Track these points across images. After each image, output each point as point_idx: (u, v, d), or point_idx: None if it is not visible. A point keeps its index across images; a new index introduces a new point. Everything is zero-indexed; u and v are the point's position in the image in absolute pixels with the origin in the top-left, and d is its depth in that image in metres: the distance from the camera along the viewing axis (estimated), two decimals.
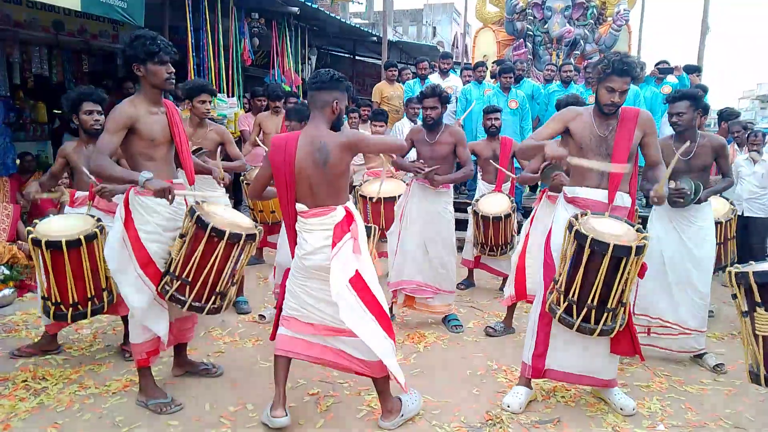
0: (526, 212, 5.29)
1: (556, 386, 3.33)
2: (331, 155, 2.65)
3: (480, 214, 4.86)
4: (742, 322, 2.65)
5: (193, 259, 2.78)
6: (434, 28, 24.07)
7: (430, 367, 3.58)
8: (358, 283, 2.65)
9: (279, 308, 2.93)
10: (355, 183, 5.64)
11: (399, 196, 4.76)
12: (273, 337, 2.92)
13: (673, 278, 3.62)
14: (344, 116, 3.01)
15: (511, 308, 4.24)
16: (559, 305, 2.91)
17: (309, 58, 11.78)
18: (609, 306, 2.82)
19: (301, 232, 2.77)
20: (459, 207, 6.03)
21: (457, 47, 20.03)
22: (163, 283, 2.83)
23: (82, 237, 3.08)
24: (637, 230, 2.87)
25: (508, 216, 4.78)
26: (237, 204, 6.90)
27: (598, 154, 2.99)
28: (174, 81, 2.82)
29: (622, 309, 2.90)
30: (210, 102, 4.09)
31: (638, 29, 10.52)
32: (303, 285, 2.78)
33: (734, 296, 2.64)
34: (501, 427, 2.90)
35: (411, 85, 7.03)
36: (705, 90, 6.50)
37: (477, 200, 5.06)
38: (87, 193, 3.57)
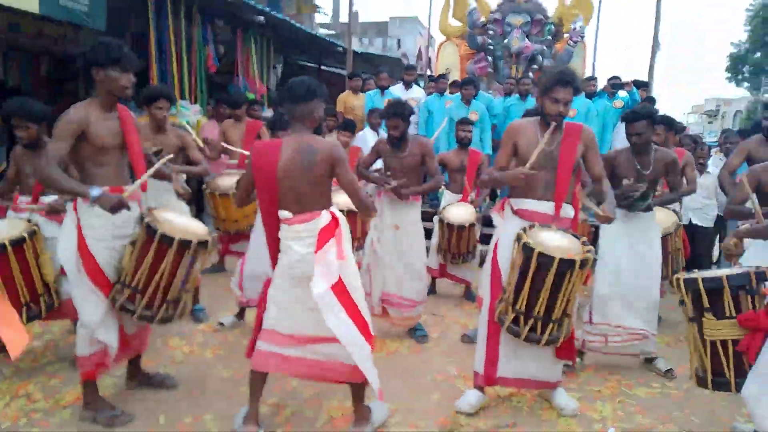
0: (486, 222, 5.40)
1: (511, 392, 3.41)
2: (317, 160, 2.64)
3: (446, 222, 4.94)
4: (689, 328, 2.76)
5: (143, 266, 2.74)
6: (399, 40, 24.35)
7: (390, 375, 3.59)
8: (338, 287, 2.63)
9: (259, 321, 2.83)
10: None
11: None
12: (250, 353, 2.82)
13: (626, 284, 3.74)
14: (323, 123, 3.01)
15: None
16: (507, 315, 2.98)
17: (275, 67, 11.76)
18: (554, 317, 2.92)
19: (286, 240, 2.72)
20: (423, 216, 6.11)
21: (421, 59, 20.32)
22: (113, 292, 2.78)
23: (6, 242, 3.02)
24: (582, 243, 2.97)
25: (472, 225, 4.89)
26: (199, 212, 6.81)
27: (544, 167, 3.07)
28: (130, 90, 2.76)
29: (567, 319, 3.00)
30: (168, 108, 4.02)
31: (593, 46, 10.87)
32: (289, 292, 2.73)
33: (682, 302, 2.75)
34: None
35: (372, 95, 7.09)
36: (653, 101, 6.80)
37: (443, 208, 5.15)
38: (30, 197, 3.50)
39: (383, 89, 7.09)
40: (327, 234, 2.65)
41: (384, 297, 4.17)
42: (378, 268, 4.13)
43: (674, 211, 4.85)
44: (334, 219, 2.71)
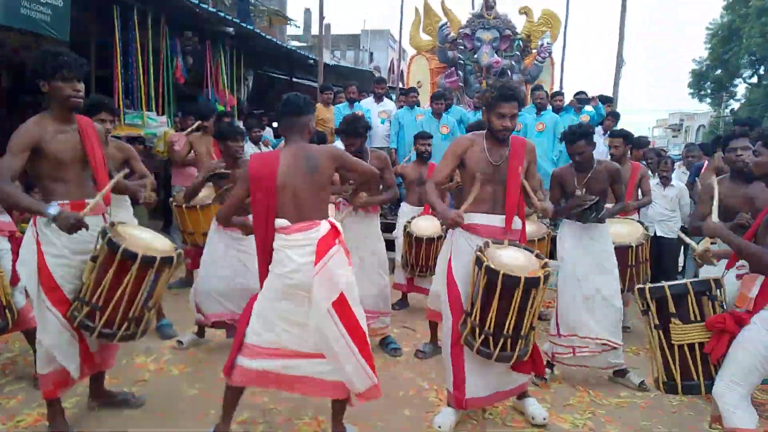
0: None
1: None
2: (320, 163, 2.68)
3: (414, 235, 4.95)
4: (653, 335, 2.83)
5: (103, 283, 2.65)
6: (371, 53, 24.49)
7: None
8: (342, 305, 2.62)
9: (241, 336, 2.74)
10: None
11: None
12: (227, 369, 2.73)
13: (589, 295, 3.79)
14: None
15: (433, 327, 4.30)
16: (475, 338, 2.97)
17: (246, 79, 11.68)
18: (522, 333, 2.95)
19: (282, 249, 2.67)
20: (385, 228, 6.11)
21: (393, 73, 20.46)
22: (72, 309, 2.69)
23: None
24: (536, 256, 3.04)
25: (440, 237, 4.89)
26: (167, 225, 6.69)
27: (492, 181, 3.13)
28: (79, 99, 2.68)
29: (532, 332, 3.04)
30: (111, 121, 3.91)
31: (560, 61, 11.11)
32: (275, 308, 2.68)
33: (645, 312, 2.84)
34: None
35: (341, 108, 7.10)
36: (617, 116, 6.97)
37: (409, 222, 5.15)
38: None
39: (352, 102, 7.10)
40: (326, 244, 2.63)
41: None
42: None
43: (640, 222, 4.95)
44: (334, 228, 2.70)
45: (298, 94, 2.84)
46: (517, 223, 3.19)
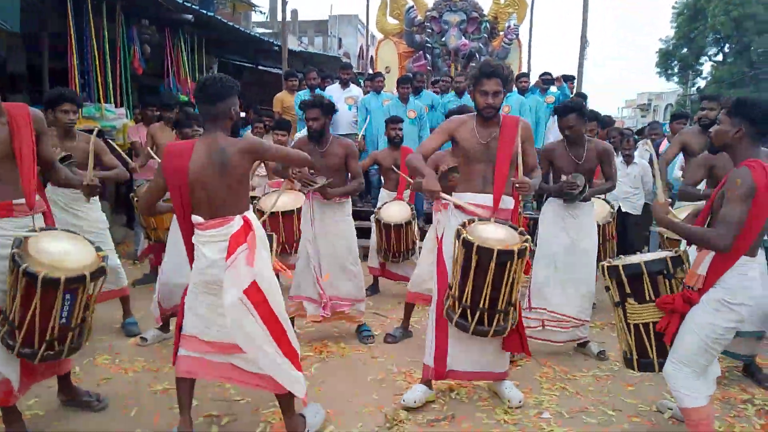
0: (428, 218, 5.45)
1: (451, 385, 3.43)
2: (231, 159, 2.52)
3: (382, 221, 4.95)
4: (615, 312, 2.89)
5: (15, 302, 2.46)
6: (340, 39, 24.23)
7: (331, 377, 3.57)
8: (257, 296, 2.54)
9: (179, 328, 2.75)
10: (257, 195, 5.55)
11: (298, 209, 4.72)
12: (174, 360, 2.72)
13: (562, 272, 3.86)
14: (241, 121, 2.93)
15: (408, 311, 4.33)
16: (455, 311, 3.01)
17: (210, 68, 11.45)
18: (499, 308, 2.97)
19: (198, 246, 2.62)
20: (365, 215, 6.11)
21: (363, 58, 20.29)
22: None
23: None
24: (519, 233, 3.04)
25: (409, 223, 4.90)
26: (129, 221, 6.55)
27: (482, 161, 3.15)
28: None
29: (512, 309, 3.06)
30: (74, 111, 3.80)
31: (527, 43, 11.17)
32: (203, 301, 2.64)
33: (607, 288, 2.88)
34: (398, 429, 2.95)
35: (301, 95, 6.99)
36: (584, 97, 7.03)
37: (379, 208, 5.14)
38: None
39: (313, 88, 7.00)
40: (237, 240, 2.54)
41: (332, 299, 4.09)
42: (315, 272, 4.06)
43: (606, 200, 5.03)
44: (246, 224, 2.60)
45: (215, 76, 2.61)
46: (506, 202, 3.19)
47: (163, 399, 3.22)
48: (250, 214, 2.67)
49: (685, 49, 31.30)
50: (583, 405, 3.25)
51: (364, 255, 5.23)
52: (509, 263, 2.87)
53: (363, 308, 4.31)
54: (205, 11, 7.51)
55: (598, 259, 4.55)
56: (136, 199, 4.97)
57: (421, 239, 5.10)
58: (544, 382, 3.55)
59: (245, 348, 2.54)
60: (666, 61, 32.40)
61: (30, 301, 2.42)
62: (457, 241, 2.95)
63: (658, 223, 2.79)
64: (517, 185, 3.06)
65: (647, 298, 2.72)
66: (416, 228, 5.12)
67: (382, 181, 5.71)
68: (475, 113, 3.22)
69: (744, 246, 2.43)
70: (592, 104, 7.28)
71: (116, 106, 6.56)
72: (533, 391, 3.39)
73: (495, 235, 2.96)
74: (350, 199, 4.23)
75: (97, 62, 6.27)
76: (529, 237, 3.03)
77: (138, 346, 3.99)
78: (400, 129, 5.31)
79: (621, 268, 2.75)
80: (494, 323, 2.99)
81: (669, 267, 2.71)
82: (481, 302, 2.93)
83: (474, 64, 10.34)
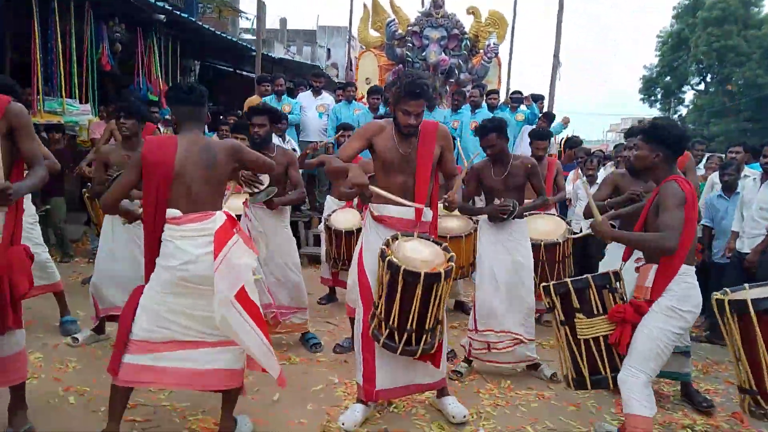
0: None
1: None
2: (218, 157, 2.62)
3: (333, 228, 4.89)
4: (560, 332, 2.85)
5: None
6: (329, 49, 24.29)
7: (268, 385, 3.45)
8: (241, 294, 2.55)
9: (125, 333, 2.60)
10: None
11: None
12: (113, 368, 2.58)
13: (505, 291, 3.78)
14: None
15: (353, 322, 4.24)
16: (381, 332, 2.92)
17: (192, 70, 11.39)
18: (427, 327, 2.89)
19: (172, 240, 2.55)
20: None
21: (351, 69, 20.33)
22: None
23: None
24: (444, 249, 2.97)
25: (359, 230, 4.82)
26: (89, 220, 6.41)
27: (401, 172, 3.05)
28: None
29: (439, 325, 2.98)
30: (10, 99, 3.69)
31: (507, 62, 11.26)
32: (164, 301, 2.57)
33: (550, 308, 2.85)
34: None
35: (267, 101, 6.95)
36: (551, 117, 7.05)
37: (329, 216, 5.08)
38: None
39: (279, 95, 6.97)
40: (224, 235, 2.54)
41: (275, 308, 4.02)
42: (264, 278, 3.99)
43: (562, 217, 5.01)
44: (230, 219, 2.63)
45: (196, 84, 2.85)
46: (427, 214, 3.12)
47: (86, 403, 3.10)
48: (229, 211, 2.70)
49: (668, 77, 31.87)
50: (520, 423, 3.19)
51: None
52: (436, 285, 2.80)
53: (306, 317, 4.23)
54: (177, 12, 7.45)
55: (557, 277, 4.56)
56: (88, 195, 4.86)
57: None
58: (486, 398, 3.49)
59: (244, 345, 2.57)
60: (649, 87, 32.94)
61: None
62: (381, 262, 2.85)
63: (604, 237, 2.84)
64: (446, 203, 3.05)
65: (595, 312, 2.75)
66: None
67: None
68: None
69: (682, 254, 2.60)
70: (578, 128, 7.31)
71: (81, 102, 6.45)
72: (472, 408, 3.31)
73: (420, 255, 2.89)
74: (288, 209, 4.20)
75: (62, 57, 6.16)
76: (453, 254, 2.95)
77: (69, 346, 3.87)
78: (349, 136, 5.25)
79: (569, 282, 2.77)
80: (422, 342, 2.91)
81: (612, 281, 2.77)
82: (409, 323, 2.84)
83: (452, 80, 10.50)
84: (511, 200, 3.69)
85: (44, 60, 6.03)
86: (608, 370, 2.77)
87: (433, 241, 3.03)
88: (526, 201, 3.93)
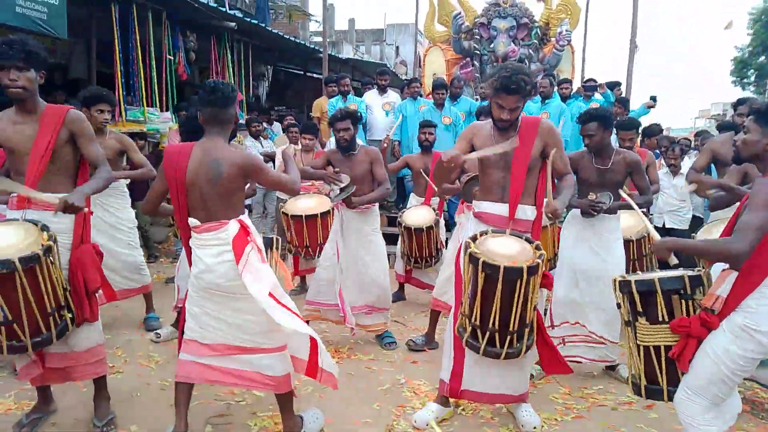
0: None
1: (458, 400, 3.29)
2: (225, 172, 2.55)
3: (403, 225, 4.88)
4: (625, 332, 2.65)
5: None
6: (397, 47, 24.32)
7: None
8: (273, 294, 2.58)
9: (180, 332, 2.79)
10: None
11: (322, 213, 4.71)
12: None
13: (586, 291, 3.62)
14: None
15: (433, 321, 4.21)
16: (465, 329, 2.85)
17: (263, 75, 11.76)
18: (512, 328, 2.75)
19: (194, 249, 2.65)
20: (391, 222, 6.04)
21: (420, 66, 20.26)
22: None
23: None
24: (535, 247, 2.81)
25: (430, 228, 4.78)
26: (171, 225, 6.75)
27: (498, 168, 2.97)
28: (14, 89, 2.56)
29: (527, 330, 2.84)
30: (109, 111, 3.96)
31: (581, 49, 10.77)
32: (200, 305, 2.67)
33: (619, 305, 2.65)
34: None
35: (333, 103, 7.01)
36: (625, 103, 6.66)
37: (402, 213, 5.08)
38: None
39: (345, 94, 7.02)
40: (241, 242, 2.58)
41: (350, 308, 4.05)
42: (339, 280, 4.03)
43: (645, 213, 4.72)
44: (243, 227, 2.63)
45: (225, 83, 2.66)
46: (526, 212, 2.97)
47: (167, 396, 3.25)
48: (246, 218, 2.69)
49: (762, 57, 29.39)
50: (595, 431, 3.03)
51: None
52: (518, 281, 2.65)
53: (385, 319, 4.24)
54: (248, 19, 7.69)
55: None
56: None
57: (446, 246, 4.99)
58: (558, 403, 3.34)
59: (298, 330, 2.57)
60: (741, 69, 30.50)
61: None
62: (463, 255, 2.79)
63: (664, 257, 2.50)
64: (549, 215, 2.85)
65: (660, 319, 2.46)
66: (441, 235, 5.00)
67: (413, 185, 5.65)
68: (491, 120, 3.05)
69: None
70: (663, 115, 6.87)
71: (162, 111, 6.81)
72: (544, 413, 3.18)
73: (506, 249, 2.76)
74: (378, 210, 4.21)
75: (142, 67, 6.54)
76: (543, 252, 2.80)
77: (152, 341, 4.08)
78: (431, 133, 5.22)
79: (633, 283, 2.51)
80: (506, 345, 2.78)
81: (686, 286, 2.42)
82: (491, 322, 2.73)
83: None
84: (607, 194, 3.51)
85: (125, 70, 6.42)
86: (665, 383, 2.48)
87: (525, 240, 2.87)
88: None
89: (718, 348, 2.23)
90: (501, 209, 2.98)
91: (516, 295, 2.68)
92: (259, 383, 2.69)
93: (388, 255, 6.51)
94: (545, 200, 2.96)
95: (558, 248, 4.01)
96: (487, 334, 2.76)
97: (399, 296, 5.43)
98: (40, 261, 2.46)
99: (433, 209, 5.01)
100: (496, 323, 2.73)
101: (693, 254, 2.51)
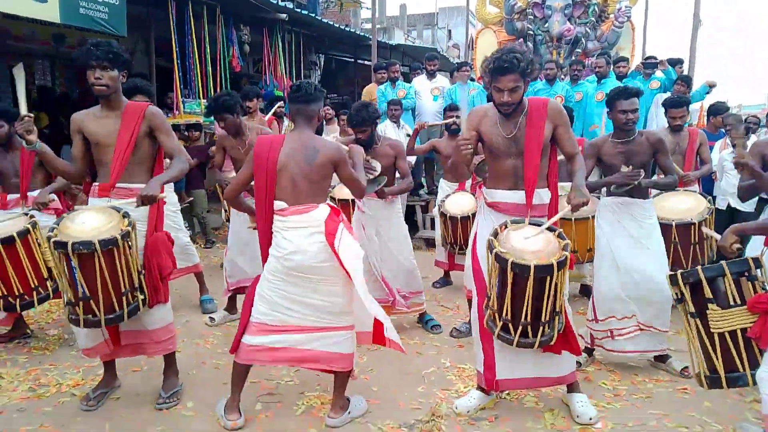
0: None
1: None
2: (319, 156, 2.73)
3: (448, 215, 4.86)
4: (690, 326, 2.59)
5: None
6: (449, 31, 24.01)
7: (380, 366, 3.58)
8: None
9: (246, 315, 2.85)
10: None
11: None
12: (235, 347, 2.85)
13: (630, 283, 3.48)
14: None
15: (471, 306, 4.19)
16: (496, 324, 2.82)
17: (315, 63, 11.92)
18: (543, 319, 2.72)
19: (280, 231, 2.77)
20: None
21: (472, 49, 19.93)
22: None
23: (15, 234, 3.31)
24: (558, 236, 2.75)
25: (474, 214, 4.73)
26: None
27: (509, 155, 2.90)
28: (99, 86, 2.78)
29: (558, 316, 2.79)
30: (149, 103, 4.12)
31: (642, 26, 10.27)
32: (277, 288, 2.77)
33: (679, 299, 2.60)
34: (434, 424, 2.88)
35: (383, 89, 7.03)
36: (687, 81, 6.33)
37: (443, 201, 5.05)
38: (17, 195, 3.79)
39: (394, 81, 7.01)
40: (333, 223, 2.73)
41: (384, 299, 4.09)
42: (379, 267, 4.08)
43: (702, 194, 4.50)
44: (333, 209, 2.79)
45: (310, 81, 2.90)
46: (541, 197, 2.93)
47: (219, 375, 3.41)
48: (332, 203, 2.87)
49: None
50: (646, 419, 2.95)
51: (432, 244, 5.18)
52: (549, 276, 2.61)
53: (423, 298, 4.28)
54: (299, 9, 7.81)
55: (695, 262, 4.13)
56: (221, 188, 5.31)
57: None
58: (607, 390, 3.27)
59: (369, 304, 2.76)
60: None
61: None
62: (489, 254, 2.73)
63: (728, 253, 2.54)
64: (575, 208, 2.76)
65: (731, 303, 2.45)
66: None
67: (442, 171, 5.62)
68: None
69: None
70: (733, 93, 6.51)
71: None
72: (592, 399, 3.12)
73: (531, 245, 2.68)
74: (400, 199, 4.23)
75: (198, 61, 6.79)
76: (568, 242, 2.72)
77: (207, 325, 4.27)
78: (458, 116, 5.13)
79: (700, 270, 2.50)
80: (539, 334, 2.74)
81: (752, 268, 2.45)
82: (523, 316, 2.69)
83: (579, 50, 9.85)
84: (638, 172, 3.38)
85: (182, 65, 6.68)
86: (747, 366, 2.45)
87: (547, 229, 2.78)
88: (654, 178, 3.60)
89: None
90: (516, 197, 2.91)
91: (547, 289, 2.64)
92: (325, 361, 2.81)
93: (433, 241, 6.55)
94: (564, 195, 2.88)
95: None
96: (520, 328, 2.72)
97: (445, 281, 5.43)
98: (118, 244, 2.68)
99: (472, 194, 4.95)
100: (528, 317, 2.69)
101: (760, 233, 2.45)
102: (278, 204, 2.75)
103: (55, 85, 7.67)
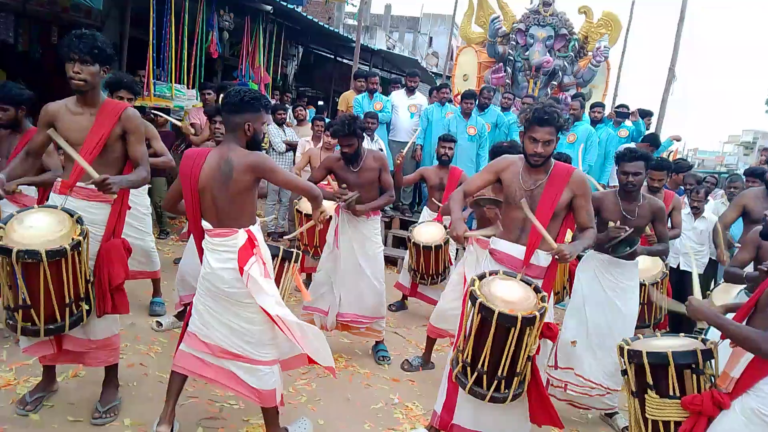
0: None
1: None
2: (234, 172, 2.57)
3: (413, 241, 4.84)
4: (630, 401, 2.56)
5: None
6: (431, 38, 24.05)
7: (328, 396, 3.51)
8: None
9: (185, 324, 2.83)
10: None
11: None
12: (175, 354, 2.80)
13: (595, 335, 3.55)
14: (262, 136, 2.83)
15: (430, 342, 4.18)
16: (458, 363, 2.78)
17: (293, 56, 11.69)
18: (500, 374, 2.68)
19: (205, 251, 2.71)
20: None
21: (452, 60, 20.01)
22: None
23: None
24: (540, 299, 2.73)
25: (439, 246, 4.73)
26: None
27: (521, 208, 2.88)
28: (76, 81, 2.63)
29: (517, 379, 2.75)
30: (130, 99, 3.92)
31: (617, 67, 10.56)
32: (206, 304, 2.71)
33: (624, 372, 2.56)
34: None
35: (360, 99, 6.91)
36: (654, 142, 6.49)
37: (413, 228, 5.03)
38: None
39: (372, 92, 6.93)
40: (246, 253, 2.61)
41: (339, 318, 4.06)
42: (335, 286, 4.02)
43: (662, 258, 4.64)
44: (251, 238, 2.66)
45: (241, 89, 2.67)
46: (537, 258, 2.92)
47: (162, 389, 3.26)
48: (255, 229, 2.71)
49: None
50: None
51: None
52: (512, 329, 2.57)
53: (383, 325, 4.23)
54: (284, 2, 7.61)
55: (640, 319, 4.24)
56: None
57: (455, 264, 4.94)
58: None
59: (300, 341, 2.68)
60: None
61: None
62: (470, 304, 2.69)
63: (694, 315, 2.42)
64: (556, 257, 2.80)
65: (671, 393, 2.39)
66: (452, 251, 4.96)
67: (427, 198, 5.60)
68: (521, 156, 2.98)
69: None
70: (691, 138, 6.71)
71: (189, 88, 6.79)
72: None
73: (508, 294, 2.66)
74: (380, 217, 4.14)
75: (174, 42, 6.50)
76: (546, 306, 2.69)
77: (153, 330, 4.09)
78: (451, 148, 5.14)
79: (644, 354, 2.42)
80: (492, 388, 2.68)
81: (699, 360, 2.36)
82: (481, 363, 2.66)
83: (555, 83, 10.03)
84: (625, 228, 3.40)
85: (157, 42, 6.37)
86: None
87: (534, 288, 2.77)
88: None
89: (727, 430, 2.17)
90: (516, 250, 2.94)
91: (508, 342, 2.61)
92: (244, 392, 2.72)
93: (395, 259, 6.53)
94: (551, 241, 2.87)
95: (569, 279, 3.93)
96: (476, 373, 2.70)
97: (401, 305, 5.41)
98: (66, 255, 2.52)
99: (444, 227, 4.94)
100: (485, 365, 2.67)
101: (718, 328, 2.33)
102: (205, 224, 2.68)
103: (17, 42, 7.20)
